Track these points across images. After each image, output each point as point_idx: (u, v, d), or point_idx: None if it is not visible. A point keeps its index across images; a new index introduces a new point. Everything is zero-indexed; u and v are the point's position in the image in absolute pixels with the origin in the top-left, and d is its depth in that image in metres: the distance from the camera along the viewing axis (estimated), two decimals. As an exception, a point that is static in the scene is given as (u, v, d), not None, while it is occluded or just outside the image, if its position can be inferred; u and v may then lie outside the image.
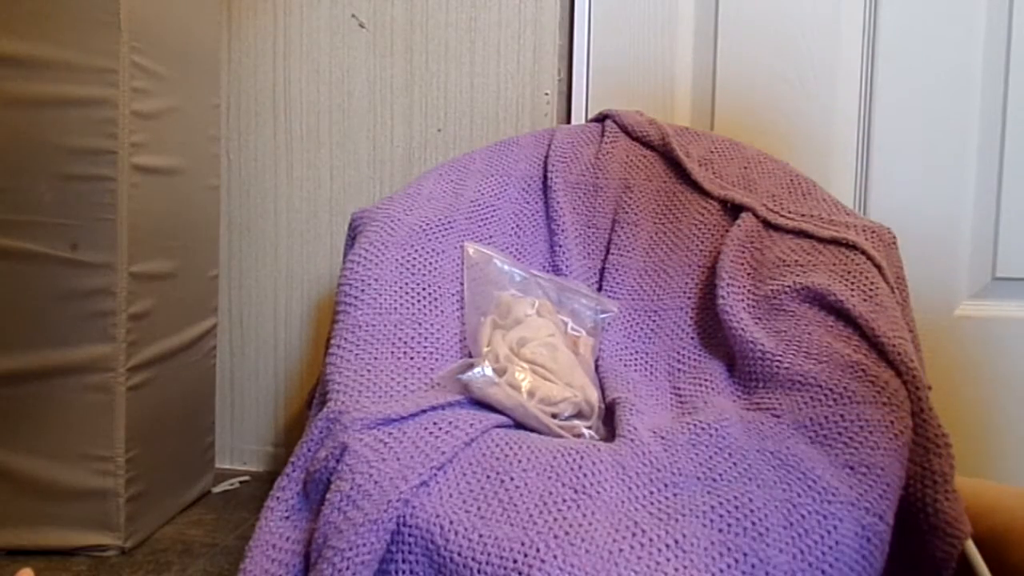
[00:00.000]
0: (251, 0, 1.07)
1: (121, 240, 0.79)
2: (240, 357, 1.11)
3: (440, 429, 0.56)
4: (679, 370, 0.69)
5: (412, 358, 0.65)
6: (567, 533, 0.46)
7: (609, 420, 0.64)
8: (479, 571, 0.46)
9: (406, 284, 0.69)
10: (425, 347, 0.66)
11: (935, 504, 0.50)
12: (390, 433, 0.55)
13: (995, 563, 0.50)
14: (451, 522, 0.49)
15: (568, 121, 1.05)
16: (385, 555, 0.49)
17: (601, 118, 0.91)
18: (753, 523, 0.47)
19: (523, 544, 0.46)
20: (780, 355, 0.60)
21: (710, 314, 0.71)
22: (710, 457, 0.53)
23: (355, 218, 0.76)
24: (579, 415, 0.64)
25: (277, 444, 1.11)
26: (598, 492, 0.50)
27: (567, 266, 0.80)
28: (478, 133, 1.02)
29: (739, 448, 0.53)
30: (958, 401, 0.95)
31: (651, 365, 0.72)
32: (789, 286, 0.66)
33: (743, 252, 0.72)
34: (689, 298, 0.74)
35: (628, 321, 0.76)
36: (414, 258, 0.71)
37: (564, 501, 0.49)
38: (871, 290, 0.63)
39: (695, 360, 0.69)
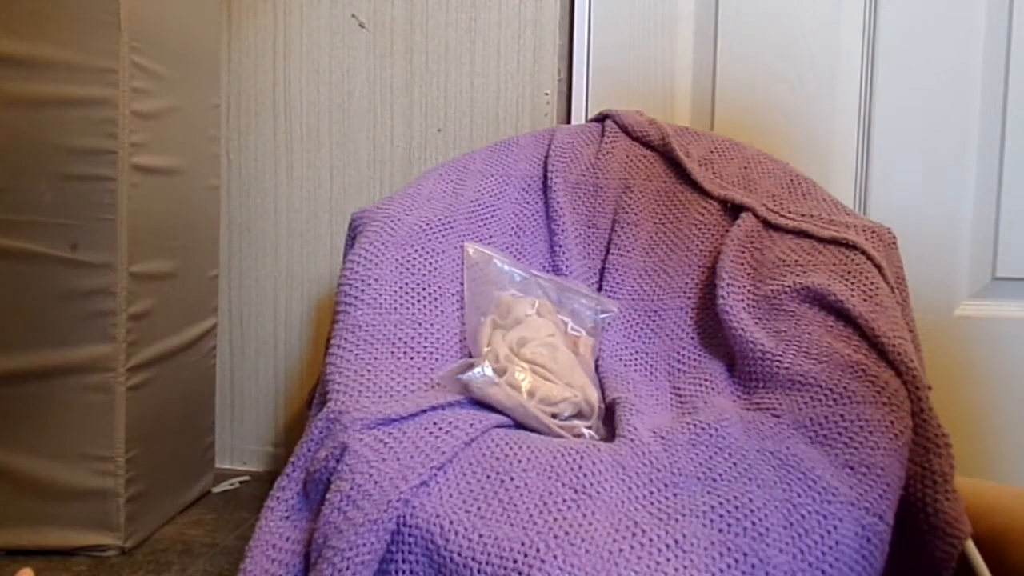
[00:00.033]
0: (251, 0, 1.07)
1: (121, 240, 0.79)
2: (240, 357, 1.11)
3: (440, 429, 0.56)
4: (679, 370, 0.69)
5: (412, 358, 0.65)
6: (567, 533, 0.46)
7: (609, 420, 0.64)
8: (479, 571, 0.46)
9: (406, 284, 0.69)
10: (425, 347, 0.66)
11: (935, 504, 0.50)
12: (390, 433, 0.55)
13: (995, 563, 0.50)
14: (451, 522, 0.49)
15: (568, 121, 1.05)
16: (385, 555, 0.49)
17: (601, 118, 0.91)
18: (753, 523, 0.47)
19: (523, 544, 0.46)
20: (780, 355, 0.60)
21: (710, 314, 0.71)
22: (710, 457, 0.53)
23: (355, 218, 0.76)
24: (579, 415, 0.64)
25: (277, 444, 1.11)
26: (598, 492, 0.50)
27: (567, 266, 0.80)
28: (478, 133, 1.02)
29: (739, 448, 0.53)
30: (958, 401, 0.95)
31: (651, 365, 0.72)
32: (789, 286, 0.66)
33: (743, 252, 0.72)
34: (689, 298, 0.74)
35: (628, 321, 0.76)
36: (414, 258, 0.71)
37: (564, 501, 0.49)
38: (871, 290, 0.63)
39: (695, 360, 0.69)
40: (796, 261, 0.68)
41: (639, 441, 0.55)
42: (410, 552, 0.49)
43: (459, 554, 0.47)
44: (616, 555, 0.45)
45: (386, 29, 1.04)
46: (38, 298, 0.78)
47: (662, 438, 0.56)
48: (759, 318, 0.66)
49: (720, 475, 0.51)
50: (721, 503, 0.49)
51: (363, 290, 0.67)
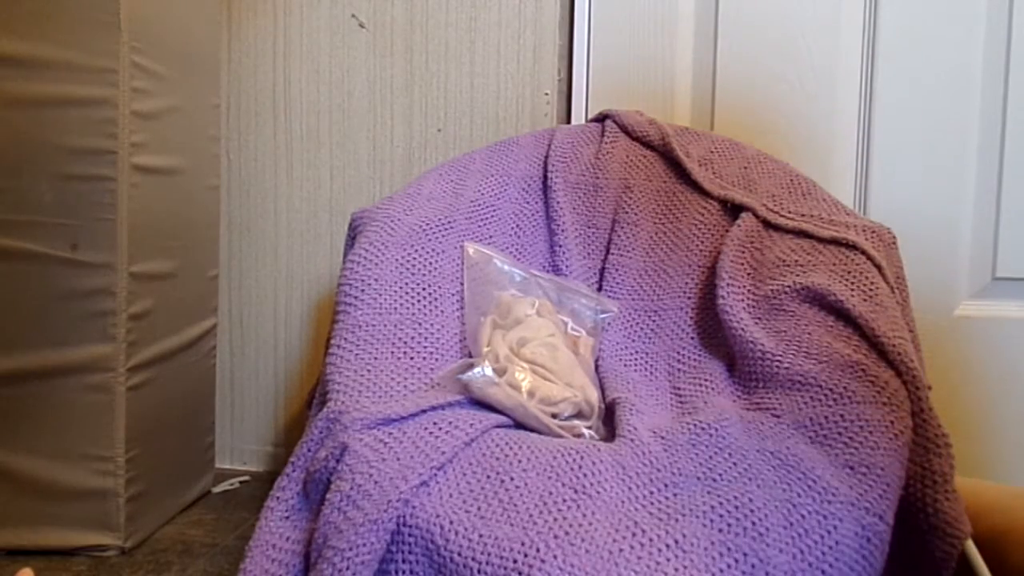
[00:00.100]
0: (251, 0, 1.07)
1: (121, 240, 0.79)
2: (240, 357, 1.11)
3: (440, 429, 0.56)
4: (679, 370, 0.69)
5: (412, 358, 0.65)
6: (567, 533, 0.46)
7: (609, 420, 0.64)
8: (479, 571, 0.46)
9: (406, 284, 0.69)
10: (425, 347, 0.66)
11: (935, 504, 0.50)
12: (390, 433, 0.55)
13: (995, 563, 0.50)
14: (451, 522, 0.49)
15: (568, 121, 1.05)
16: (385, 555, 0.49)
17: (601, 118, 0.91)
18: (753, 523, 0.47)
19: (523, 544, 0.46)
20: (780, 355, 0.60)
21: (710, 314, 0.71)
22: (710, 457, 0.53)
23: (355, 218, 0.76)
24: (579, 415, 0.64)
25: (277, 444, 1.11)
26: (598, 492, 0.50)
27: (567, 266, 0.80)
28: (478, 133, 1.02)
29: (739, 448, 0.53)
30: (958, 401, 0.95)
31: (651, 365, 0.72)
32: (789, 286, 0.66)
33: (743, 252, 0.72)
34: (689, 298, 0.74)
35: (628, 321, 0.76)
36: (414, 258, 0.71)
37: (564, 501, 0.49)
38: (871, 290, 0.63)
39: (695, 360, 0.69)
40: (796, 261, 0.68)
41: (639, 441, 0.55)
42: (410, 552, 0.49)
43: (459, 554, 0.47)
44: (616, 555, 0.45)
45: (386, 29, 1.04)
46: (38, 298, 0.78)
47: (662, 438, 0.56)
48: (759, 318, 0.66)
49: (720, 475, 0.51)
50: (721, 503, 0.49)
51: (363, 290, 0.67)
